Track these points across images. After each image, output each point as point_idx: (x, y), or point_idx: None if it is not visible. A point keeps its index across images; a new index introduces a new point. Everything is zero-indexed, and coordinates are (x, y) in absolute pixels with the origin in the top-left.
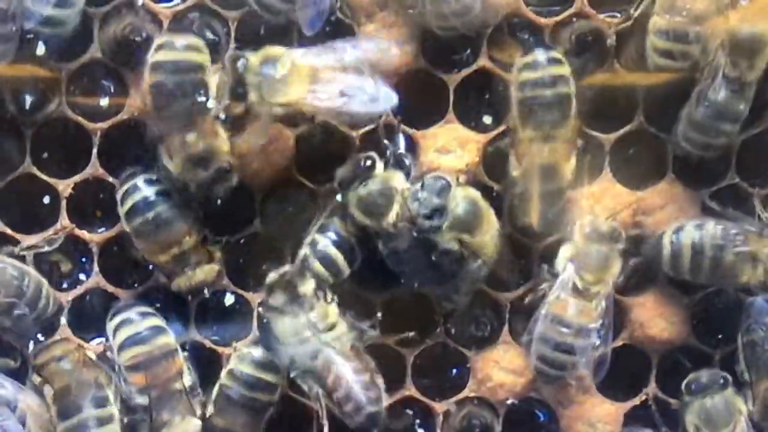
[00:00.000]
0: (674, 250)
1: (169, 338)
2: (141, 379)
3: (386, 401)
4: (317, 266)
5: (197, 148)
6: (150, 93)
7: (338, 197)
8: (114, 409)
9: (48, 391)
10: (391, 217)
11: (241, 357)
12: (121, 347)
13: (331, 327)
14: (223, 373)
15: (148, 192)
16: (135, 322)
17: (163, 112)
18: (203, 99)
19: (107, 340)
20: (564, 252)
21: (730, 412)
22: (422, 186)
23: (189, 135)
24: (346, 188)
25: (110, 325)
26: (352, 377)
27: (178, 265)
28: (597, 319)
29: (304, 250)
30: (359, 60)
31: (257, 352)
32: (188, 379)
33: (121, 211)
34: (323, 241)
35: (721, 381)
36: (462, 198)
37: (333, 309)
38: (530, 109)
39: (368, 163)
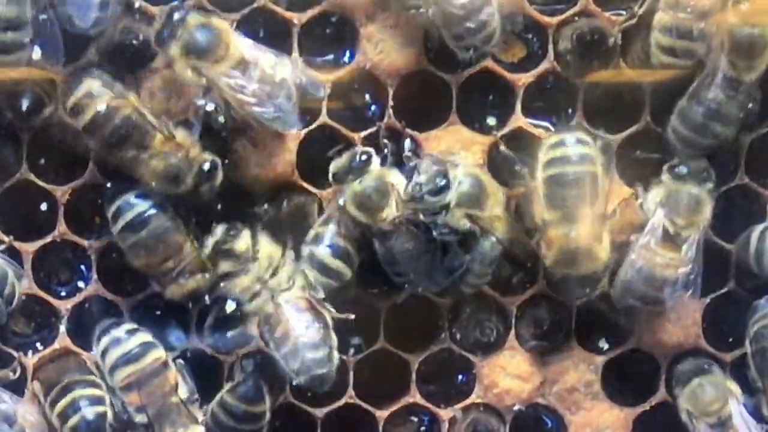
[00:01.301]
0: (759, 248)
1: (159, 352)
2: (136, 398)
3: (392, 407)
4: (319, 277)
5: (163, 167)
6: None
7: (339, 202)
8: (104, 392)
9: (38, 387)
10: (387, 213)
11: (230, 389)
12: (113, 369)
13: (275, 272)
14: (216, 398)
15: (142, 208)
16: (124, 341)
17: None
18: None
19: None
20: (653, 196)
21: (718, 389)
22: (421, 169)
23: (152, 160)
24: (340, 181)
25: (98, 348)
26: (300, 332)
27: (171, 275)
28: (686, 265)
29: (303, 265)
30: (287, 79)
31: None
32: (184, 389)
33: (114, 229)
34: (319, 252)
35: (705, 366)
36: (464, 175)
37: (272, 250)
38: (555, 188)
39: (364, 157)
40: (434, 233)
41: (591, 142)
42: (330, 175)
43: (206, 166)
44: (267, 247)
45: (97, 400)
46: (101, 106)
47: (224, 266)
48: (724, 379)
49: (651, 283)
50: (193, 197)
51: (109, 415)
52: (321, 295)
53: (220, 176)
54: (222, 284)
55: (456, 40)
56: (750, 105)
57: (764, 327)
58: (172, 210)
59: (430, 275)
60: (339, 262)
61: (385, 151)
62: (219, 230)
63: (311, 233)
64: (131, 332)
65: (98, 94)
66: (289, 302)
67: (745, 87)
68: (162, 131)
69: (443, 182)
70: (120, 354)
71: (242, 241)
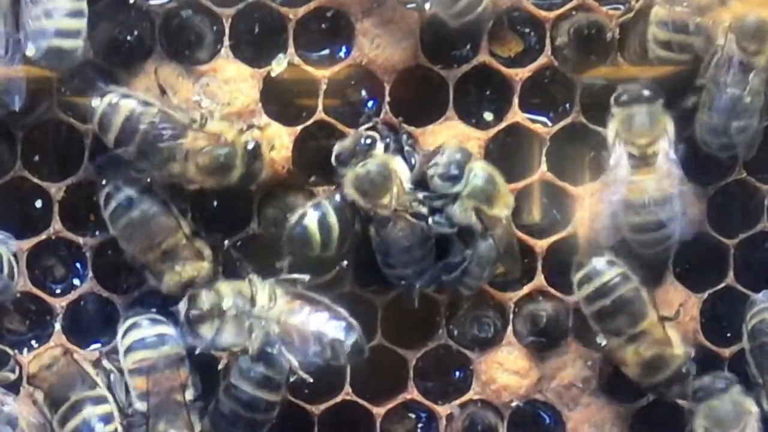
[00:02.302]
0: None
1: (178, 348)
2: (143, 384)
3: (390, 404)
4: (312, 227)
5: (209, 161)
6: None
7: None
8: (105, 391)
9: (39, 395)
10: (387, 199)
11: (241, 372)
12: (128, 350)
13: (253, 301)
14: (222, 387)
15: (130, 191)
16: (144, 327)
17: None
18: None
19: (117, 343)
20: (611, 131)
21: (738, 411)
22: (445, 153)
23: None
24: (344, 164)
25: (121, 329)
26: (320, 326)
27: (166, 262)
28: (668, 177)
29: (304, 209)
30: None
31: (258, 369)
32: (191, 392)
33: (105, 214)
34: (326, 205)
35: (726, 382)
36: (481, 169)
37: (236, 286)
38: (605, 320)
39: (368, 141)
40: (430, 221)
41: (615, 260)
42: (333, 157)
43: (251, 146)
44: (229, 287)
45: (108, 418)
46: (126, 115)
47: (204, 331)
48: (743, 398)
49: (644, 210)
50: (244, 181)
51: (119, 430)
52: (305, 278)
53: (265, 153)
54: (216, 347)
55: (456, 18)
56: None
57: (761, 321)
58: (163, 195)
59: (421, 272)
60: (338, 222)
61: (387, 141)
62: (181, 305)
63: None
64: (155, 321)
65: (121, 104)
66: (286, 313)
67: (757, 74)
68: (192, 126)
69: (456, 172)
70: (138, 337)
71: (206, 301)
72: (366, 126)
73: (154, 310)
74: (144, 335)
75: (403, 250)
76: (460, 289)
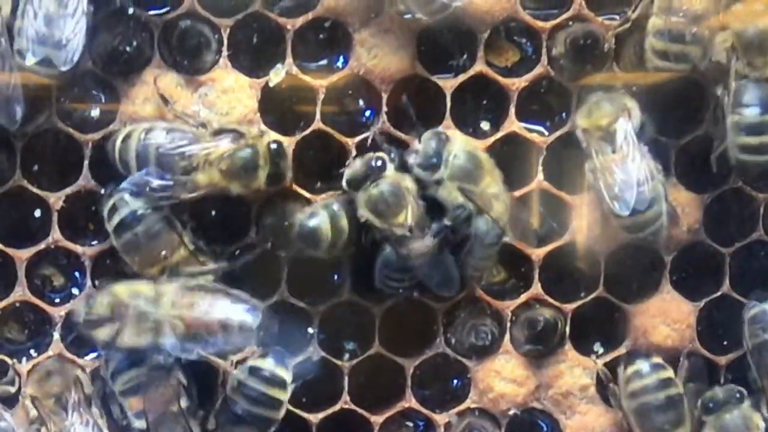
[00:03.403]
0: None
1: (165, 357)
2: (138, 403)
3: (387, 412)
4: (324, 226)
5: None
6: None
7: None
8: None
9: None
10: (402, 218)
11: (250, 370)
12: (115, 373)
13: (158, 302)
14: (229, 385)
15: (136, 204)
16: None
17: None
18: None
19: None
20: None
21: (747, 426)
22: (421, 139)
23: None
24: (356, 188)
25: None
26: (218, 310)
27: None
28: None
29: (315, 208)
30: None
31: (267, 365)
32: (185, 400)
33: (109, 227)
34: (337, 205)
35: (738, 395)
36: (460, 149)
37: (136, 288)
38: (646, 417)
39: (379, 163)
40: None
41: (665, 364)
42: (344, 182)
43: (273, 146)
44: (127, 288)
45: None
46: (135, 136)
47: (101, 334)
48: (752, 412)
49: (617, 194)
50: (271, 181)
51: None
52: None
53: (287, 151)
54: (112, 351)
55: (431, 15)
56: None
57: (757, 322)
58: (167, 210)
59: (447, 279)
60: (346, 219)
61: (392, 155)
62: (78, 308)
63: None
64: None
65: (129, 125)
66: (187, 308)
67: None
68: (205, 132)
69: (434, 160)
70: (121, 358)
71: (102, 305)
72: (363, 137)
73: None
74: (126, 356)
75: (419, 266)
76: (468, 272)
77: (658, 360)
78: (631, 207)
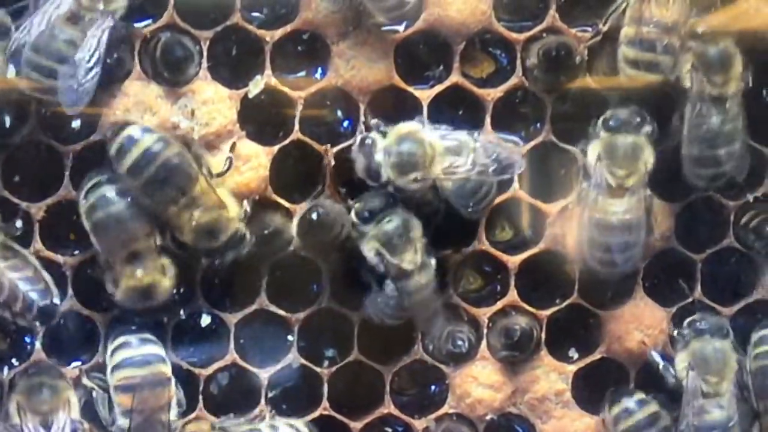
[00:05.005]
0: None
1: (166, 368)
2: (128, 401)
3: (367, 418)
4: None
5: (204, 221)
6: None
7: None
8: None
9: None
10: (411, 254)
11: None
12: (116, 367)
13: None
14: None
15: (111, 191)
16: (134, 347)
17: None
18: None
19: (106, 360)
20: (591, 151)
21: (725, 362)
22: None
23: (193, 210)
24: (368, 221)
25: (110, 346)
26: (12, 275)
27: (130, 265)
28: (632, 213)
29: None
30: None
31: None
32: (175, 412)
33: (82, 207)
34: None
35: (725, 331)
36: (393, 142)
37: None
38: None
39: (392, 199)
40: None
41: (649, 398)
42: (355, 215)
43: (241, 232)
44: None
45: None
46: (144, 148)
47: None
48: (731, 351)
49: (610, 231)
50: (218, 253)
51: None
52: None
53: (246, 248)
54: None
55: (386, 12)
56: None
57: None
58: (138, 200)
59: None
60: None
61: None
62: None
63: None
64: (145, 341)
65: (140, 137)
66: None
67: (731, 100)
68: (205, 177)
69: (372, 165)
70: (127, 356)
71: None
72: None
73: (134, 329)
74: (133, 354)
75: (417, 302)
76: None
77: (641, 396)
78: (607, 248)
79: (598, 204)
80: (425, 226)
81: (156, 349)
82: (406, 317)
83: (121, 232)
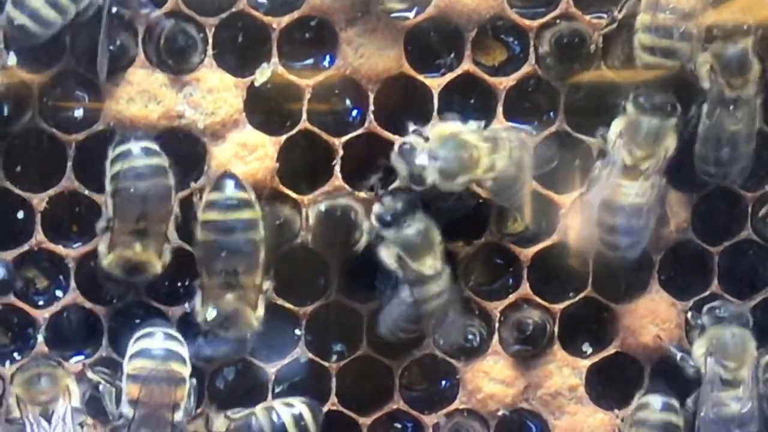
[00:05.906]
0: None
1: (182, 368)
2: (136, 391)
3: (375, 414)
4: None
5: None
6: None
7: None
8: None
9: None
10: (431, 260)
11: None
12: (134, 356)
13: None
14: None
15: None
16: (157, 339)
17: None
18: None
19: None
20: (615, 125)
21: (743, 347)
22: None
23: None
24: (390, 226)
25: (136, 334)
26: None
27: (132, 238)
28: (643, 196)
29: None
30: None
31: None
32: (181, 414)
33: (112, 169)
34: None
35: (745, 319)
36: (437, 146)
37: None
38: None
39: (412, 204)
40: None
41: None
42: (377, 219)
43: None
44: None
45: None
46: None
47: None
48: (751, 339)
49: (620, 213)
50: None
51: None
52: None
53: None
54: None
55: None
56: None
57: None
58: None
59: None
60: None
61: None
62: None
63: None
64: (169, 336)
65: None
66: None
67: (747, 103)
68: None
69: (415, 173)
70: (148, 347)
71: None
72: (350, 137)
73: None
74: (153, 346)
75: (432, 310)
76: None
77: (669, 400)
78: (615, 230)
79: (610, 183)
80: (446, 221)
81: (178, 347)
82: (420, 330)
83: (145, 207)
